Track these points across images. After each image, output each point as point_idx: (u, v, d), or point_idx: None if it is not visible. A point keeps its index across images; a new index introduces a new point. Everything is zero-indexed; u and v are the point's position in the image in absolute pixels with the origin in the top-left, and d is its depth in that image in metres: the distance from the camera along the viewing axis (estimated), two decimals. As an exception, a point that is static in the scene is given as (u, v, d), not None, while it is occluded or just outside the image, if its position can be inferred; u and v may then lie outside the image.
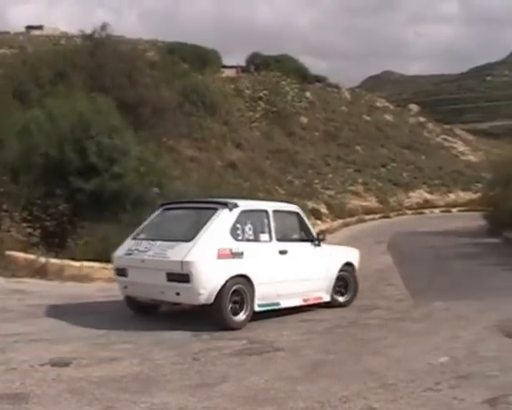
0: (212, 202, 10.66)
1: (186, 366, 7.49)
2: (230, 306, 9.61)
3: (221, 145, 33.20)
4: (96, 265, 14.72)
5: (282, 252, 10.61)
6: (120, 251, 10.48)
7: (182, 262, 9.30)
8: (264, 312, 10.25)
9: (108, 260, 12.43)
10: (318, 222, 29.10)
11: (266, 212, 10.67)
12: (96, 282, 14.25)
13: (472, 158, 59.20)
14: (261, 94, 43.25)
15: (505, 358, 7.84)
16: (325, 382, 6.87)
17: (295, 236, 11.37)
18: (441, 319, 10.42)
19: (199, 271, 9.31)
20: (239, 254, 9.82)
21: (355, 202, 37.63)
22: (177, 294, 9.50)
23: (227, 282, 9.50)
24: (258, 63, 52.83)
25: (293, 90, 46.50)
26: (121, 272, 10.31)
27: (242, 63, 57.70)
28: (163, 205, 11.33)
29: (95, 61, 25.83)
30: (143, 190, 16.70)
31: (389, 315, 10.83)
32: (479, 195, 39.55)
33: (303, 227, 11.45)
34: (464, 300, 11.94)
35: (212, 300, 9.42)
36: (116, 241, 11.53)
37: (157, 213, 11.14)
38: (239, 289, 9.73)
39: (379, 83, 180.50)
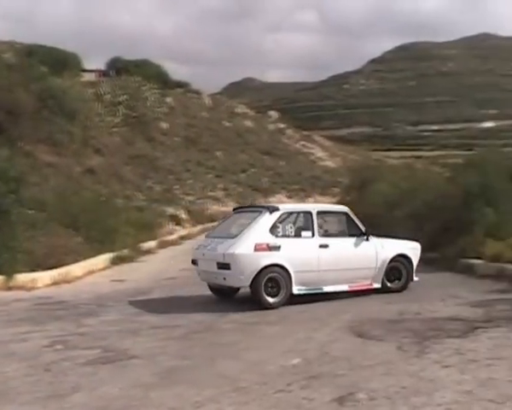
0: (262, 206, 13.92)
1: (37, 377, 7.34)
2: (267, 289, 11.79)
3: (80, 150, 32.59)
4: None
5: (323, 246, 12.46)
6: (195, 246, 13.54)
7: (224, 254, 11.81)
8: (308, 295, 12.22)
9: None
10: (178, 228, 29.07)
11: (310, 213, 12.65)
12: None
13: (330, 163, 60.79)
14: (121, 99, 42.80)
15: (355, 357, 8.11)
16: (179, 388, 6.91)
17: (342, 232, 13.21)
18: (296, 322, 10.64)
19: (237, 261, 11.70)
20: (276, 248, 11.96)
21: (215, 208, 37.85)
22: (224, 278, 12.09)
23: (262, 269, 11.74)
24: (119, 68, 52.18)
25: (153, 95, 46.27)
26: (194, 262, 13.05)
27: (103, 67, 56.91)
28: (234, 209, 14.39)
29: None
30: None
31: (245, 319, 10.95)
32: (336, 199, 40.65)
33: (351, 224, 13.15)
34: (319, 302, 12.24)
35: (249, 283, 11.80)
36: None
37: (229, 216, 14.25)
38: (274, 276, 11.88)
39: (240, 89, 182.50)
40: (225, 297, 13.05)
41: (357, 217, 13.42)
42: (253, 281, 11.76)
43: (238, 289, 12.79)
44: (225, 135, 52.78)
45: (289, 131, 65.09)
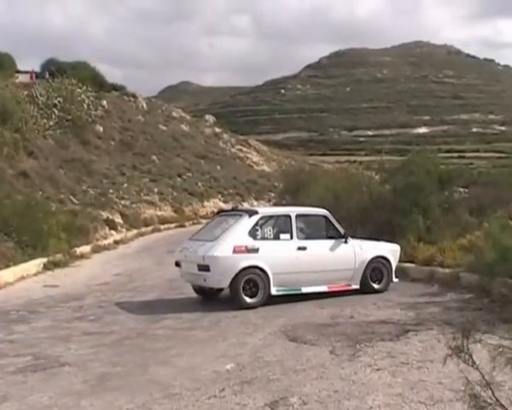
0: (242, 210, 14.94)
1: (-36, 386, 7.17)
2: (245, 289, 12.22)
3: (13, 153, 31.98)
4: None
5: (301, 248, 12.90)
6: (178, 248, 13.73)
7: (204, 256, 12.25)
8: (286, 295, 12.61)
9: None
10: (113, 232, 28.76)
11: (289, 216, 13.06)
12: None
13: (266, 168, 61.03)
14: (56, 101, 42.02)
15: (287, 361, 8.14)
16: (111, 395, 6.83)
17: (321, 234, 13.53)
18: (229, 327, 10.62)
19: (216, 262, 12.14)
20: (254, 250, 12.40)
21: (150, 212, 37.53)
22: (204, 280, 12.49)
23: (240, 271, 12.17)
24: (53, 69, 51.39)
25: (89, 98, 45.49)
26: (178, 264, 13.38)
27: (37, 69, 56.04)
28: (218, 213, 15.01)
29: None
30: None
31: (178, 325, 10.88)
32: (271, 203, 40.80)
33: (330, 227, 13.56)
34: (252, 307, 12.23)
35: (227, 284, 12.26)
36: None
37: (212, 219, 14.66)
38: (253, 277, 12.29)
39: (176, 93, 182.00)
40: (209, 298, 13.46)
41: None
42: (231, 282, 12.21)
43: (222, 289, 13.14)
44: (161, 139, 52.45)
45: (225, 136, 65.13)
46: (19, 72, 51.20)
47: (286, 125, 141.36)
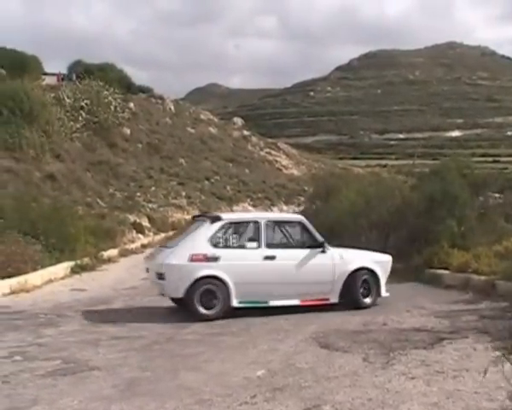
0: (206, 216, 13.54)
1: (-5, 389, 7.27)
2: (202, 300, 11.77)
3: (40, 156, 32.29)
4: None
5: (269, 257, 12.29)
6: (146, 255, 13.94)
7: (160, 264, 12.08)
8: (252, 308, 12.11)
9: None
10: (140, 236, 28.94)
11: (258, 223, 12.49)
12: None
13: (295, 172, 60.98)
14: (83, 103, 42.34)
15: (320, 368, 8.15)
16: (140, 400, 6.87)
17: (295, 242, 12.90)
18: (259, 333, 10.64)
19: (171, 271, 11.87)
20: (214, 259, 11.97)
21: (178, 216, 37.67)
22: (162, 288, 12.27)
23: (197, 280, 11.77)
24: (80, 71, 51.75)
25: (116, 100, 45.78)
26: (147, 270, 13.05)
27: (64, 70, 56.50)
28: (193, 217, 14.64)
29: None
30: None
31: (207, 330, 10.91)
32: (301, 208, 40.75)
33: (306, 235, 12.88)
34: (283, 313, 12.24)
35: (183, 294, 11.83)
36: None
37: (189, 224, 14.45)
38: (211, 287, 11.86)
39: (204, 95, 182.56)
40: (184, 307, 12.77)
41: (322, 228, 13.49)
42: (186, 292, 11.82)
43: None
44: (189, 142, 52.62)
45: (254, 139, 65.15)
46: (45, 74, 51.59)
47: (315, 128, 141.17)
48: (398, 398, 6.82)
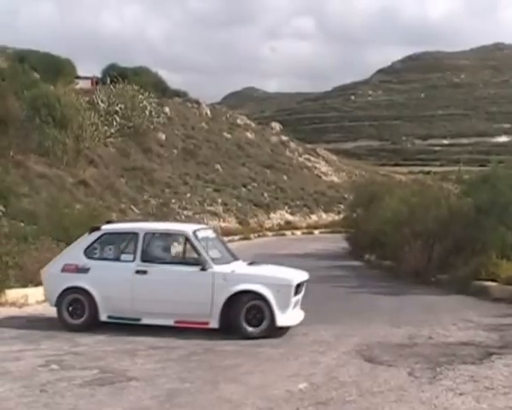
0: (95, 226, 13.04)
1: (33, 398, 7.40)
2: (70, 310, 11.96)
3: (73, 161, 32.64)
4: None
5: (140, 272, 11.83)
6: None
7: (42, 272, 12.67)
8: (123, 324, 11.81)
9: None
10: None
11: (136, 234, 12.16)
12: None
13: (335, 178, 60.90)
14: (117, 108, 42.69)
15: (364, 382, 8.16)
16: (181, 412, 6.95)
17: (174, 257, 12.65)
18: (300, 345, 10.69)
19: (45, 280, 12.65)
20: (84, 270, 12.05)
21: (214, 223, 37.83)
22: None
23: (64, 291, 11.98)
24: (114, 75, 52.15)
25: (151, 104, 46.10)
26: None
27: (97, 74, 57.03)
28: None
29: None
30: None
31: (246, 341, 10.97)
32: (341, 216, 40.72)
33: (189, 250, 12.19)
34: (324, 324, 12.25)
35: (54, 303, 12.16)
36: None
37: None
38: (78, 298, 11.97)
39: (241, 99, 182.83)
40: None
41: (364, 236, 13.37)
42: (57, 301, 12.09)
43: None
44: (225, 147, 52.82)
45: (292, 144, 65.12)
46: (79, 77, 52.11)
47: (356, 134, 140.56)
48: (447, 414, 6.83)
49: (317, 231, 44.81)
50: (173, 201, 37.40)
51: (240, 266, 12.28)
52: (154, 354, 9.93)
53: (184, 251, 12.39)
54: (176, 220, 33.34)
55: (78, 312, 11.96)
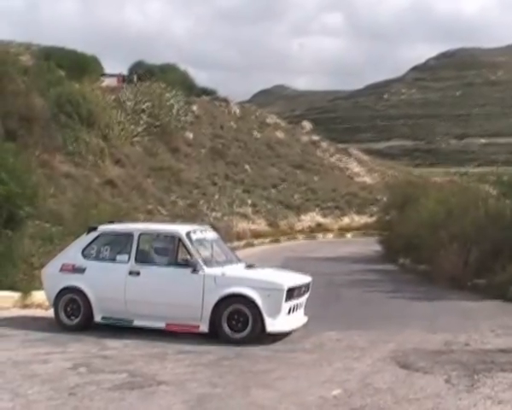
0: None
1: (62, 401, 7.52)
2: (66, 310, 12.35)
3: (99, 161, 32.83)
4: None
5: (133, 273, 12.11)
6: None
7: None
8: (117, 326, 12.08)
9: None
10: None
11: (131, 235, 12.45)
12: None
13: (367, 179, 60.63)
14: (144, 106, 42.79)
15: (399, 389, 8.19)
16: (212, 417, 7.02)
17: (167, 258, 12.45)
18: (333, 350, 10.74)
19: (44, 280, 13.16)
20: (80, 270, 12.42)
21: (243, 225, 37.88)
22: None
23: (61, 290, 12.37)
24: (141, 72, 52.26)
25: (178, 103, 46.13)
26: None
27: (123, 71, 57.18)
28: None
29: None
30: (13, 209, 16.34)
31: (278, 346, 11.04)
32: (374, 218, 40.60)
33: (182, 251, 12.32)
34: (357, 330, 12.29)
35: (53, 302, 12.56)
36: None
37: None
38: (74, 298, 12.32)
39: (270, 97, 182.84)
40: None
41: (397, 239, 13.33)
42: (54, 300, 12.52)
43: None
44: (255, 147, 52.73)
45: (324, 144, 64.91)
46: (105, 75, 52.27)
47: (389, 133, 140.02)
48: (485, 423, 6.84)
49: (349, 234, 44.74)
50: (201, 202, 37.47)
51: (233, 269, 12.28)
52: (184, 359, 10.02)
53: (177, 253, 12.46)
54: (203, 222, 33.51)
55: (74, 312, 12.35)
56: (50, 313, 13.85)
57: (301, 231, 43.34)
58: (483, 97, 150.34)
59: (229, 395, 7.94)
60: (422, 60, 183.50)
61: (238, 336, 11.40)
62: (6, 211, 16.09)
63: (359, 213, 49.54)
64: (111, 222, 14.33)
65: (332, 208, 48.93)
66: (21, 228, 16.62)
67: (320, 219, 46.82)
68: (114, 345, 10.95)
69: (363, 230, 43.30)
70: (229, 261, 12.72)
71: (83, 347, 10.75)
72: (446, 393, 8.01)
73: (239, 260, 13.09)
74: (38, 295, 14.79)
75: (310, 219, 46.08)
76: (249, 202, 42.27)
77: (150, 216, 28.97)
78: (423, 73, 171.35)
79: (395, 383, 8.48)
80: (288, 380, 8.70)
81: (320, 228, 45.10)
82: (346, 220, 48.50)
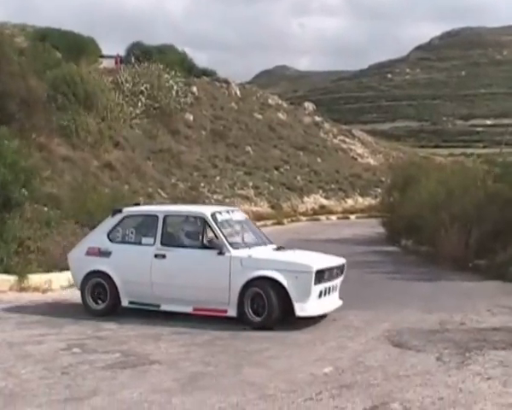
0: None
1: (54, 380, 7.72)
2: (93, 294, 12.30)
3: (98, 144, 32.91)
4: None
5: (159, 256, 11.98)
6: None
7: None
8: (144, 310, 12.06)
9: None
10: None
11: (156, 217, 12.33)
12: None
13: (371, 161, 60.63)
14: (143, 88, 42.77)
15: (390, 367, 8.39)
16: (202, 394, 7.22)
17: (193, 240, 12.26)
18: (328, 330, 10.92)
19: (70, 263, 13.14)
20: (106, 254, 12.39)
21: (245, 207, 37.84)
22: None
23: (88, 274, 12.35)
24: (139, 54, 52.17)
25: (177, 84, 46.10)
26: None
27: (120, 52, 57.03)
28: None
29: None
30: (9, 192, 16.45)
31: (274, 327, 11.20)
32: (378, 200, 40.67)
33: (208, 233, 12.14)
34: (354, 310, 12.44)
35: (80, 286, 12.52)
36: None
37: None
38: (101, 282, 12.26)
39: (272, 78, 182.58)
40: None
41: (400, 221, 13.44)
42: (81, 284, 12.48)
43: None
44: (256, 128, 52.69)
45: (327, 125, 64.88)
46: (102, 56, 52.20)
47: (393, 114, 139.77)
48: (471, 398, 7.02)
49: (353, 216, 44.79)
50: (202, 184, 37.56)
51: (260, 251, 12.07)
52: (178, 339, 10.23)
53: (203, 234, 12.18)
54: (205, 204, 33.65)
55: (101, 296, 12.27)
56: (48, 296, 14.14)
57: (304, 213, 43.37)
58: (488, 77, 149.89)
59: (220, 374, 8.13)
60: (426, 39, 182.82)
61: (258, 319, 11.22)
62: (1, 196, 16.18)
63: (363, 194, 49.59)
64: (136, 204, 14.97)
65: (335, 190, 48.94)
66: (16, 212, 16.73)
67: (323, 201, 46.87)
68: (110, 327, 11.15)
69: (367, 211, 43.31)
70: (257, 243, 12.52)
71: (78, 328, 10.95)
72: (436, 370, 8.20)
73: (269, 242, 12.86)
74: (35, 279, 14.98)
75: (313, 201, 46.12)
76: (251, 184, 42.29)
77: (150, 199, 29.09)
78: (427, 52, 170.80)
79: (387, 361, 8.67)
80: (280, 359, 8.89)
81: (323, 210, 45.16)
82: (349, 202, 48.54)
